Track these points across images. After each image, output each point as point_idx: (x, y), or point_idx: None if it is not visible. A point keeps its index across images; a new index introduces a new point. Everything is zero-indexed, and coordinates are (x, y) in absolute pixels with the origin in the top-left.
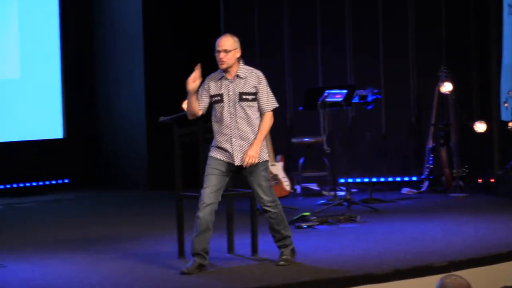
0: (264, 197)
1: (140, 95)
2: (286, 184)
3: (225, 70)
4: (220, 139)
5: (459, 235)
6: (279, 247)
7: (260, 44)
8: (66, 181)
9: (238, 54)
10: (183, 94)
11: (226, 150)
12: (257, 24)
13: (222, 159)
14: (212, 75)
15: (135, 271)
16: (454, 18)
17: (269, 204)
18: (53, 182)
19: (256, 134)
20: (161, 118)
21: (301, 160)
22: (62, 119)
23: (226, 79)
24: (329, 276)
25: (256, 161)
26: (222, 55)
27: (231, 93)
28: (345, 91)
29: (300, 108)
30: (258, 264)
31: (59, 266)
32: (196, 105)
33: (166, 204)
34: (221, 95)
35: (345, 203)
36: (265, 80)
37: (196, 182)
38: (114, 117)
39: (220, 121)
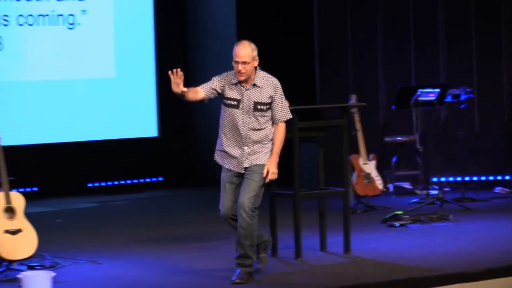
0: (246, 201)
1: None
2: (379, 182)
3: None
4: (229, 143)
5: None
6: (238, 264)
7: (353, 44)
8: (160, 179)
9: (256, 63)
10: None
11: (234, 157)
12: (350, 27)
13: (231, 169)
14: (227, 76)
15: (229, 268)
16: None
17: (246, 209)
18: (148, 180)
19: (271, 145)
20: None
21: (394, 159)
22: (157, 118)
23: (242, 86)
24: (421, 274)
25: (276, 177)
26: (241, 67)
27: (245, 101)
28: (438, 90)
29: (393, 107)
30: (350, 262)
31: (154, 264)
32: (195, 96)
33: (262, 201)
34: (237, 100)
35: (438, 202)
36: (281, 89)
37: (289, 181)
38: (207, 115)
39: (231, 126)
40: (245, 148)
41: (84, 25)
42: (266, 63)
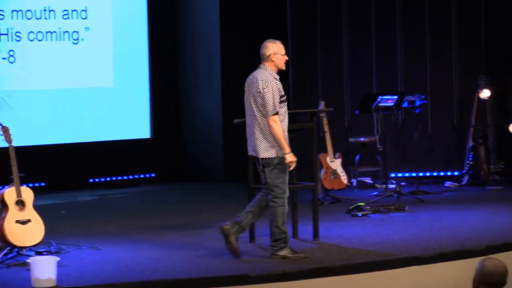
0: None
1: (217, 100)
2: (344, 178)
3: (278, 72)
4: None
5: (495, 222)
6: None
7: (321, 56)
8: (153, 175)
9: None
10: None
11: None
12: (319, 41)
13: None
14: (275, 76)
15: (212, 253)
16: (492, 32)
17: None
18: (142, 176)
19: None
20: (236, 120)
21: (357, 157)
22: (150, 121)
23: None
24: (381, 258)
25: None
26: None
27: None
28: (396, 97)
29: (357, 112)
30: (318, 247)
31: (147, 249)
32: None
33: (239, 195)
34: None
35: (395, 195)
36: None
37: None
38: (195, 118)
39: (286, 119)
40: None
41: (87, 41)
42: (247, 71)
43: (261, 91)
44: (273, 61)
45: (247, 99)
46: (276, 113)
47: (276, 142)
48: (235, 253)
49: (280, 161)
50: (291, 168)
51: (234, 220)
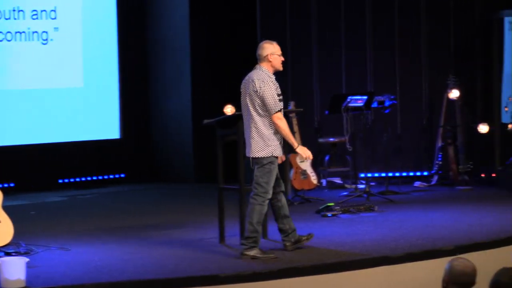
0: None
1: (187, 100)
2: (314, 178)
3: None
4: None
5: (464, 222)
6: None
7: (291, 56)
8: (122, 175)
9: None
10: (225, 99)
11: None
12: (288, 40)
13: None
14: (271, 76)
15: (182, 254)
16: (462, 33)
17: None
18: (111, 176)
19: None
20: (205, 121)
21: (327, 157)
22: (119, 122)
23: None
24: (350, 258)
25: None
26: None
27: None
28: (365, 97)
29: (326, 112)
30: None
31: (117, 250)
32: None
33: (210, 195)
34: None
35: (365, 195)
36: None
37: (235, 176)
38: (164, 119)
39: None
40: None
41: (56, 41)
42: (216, 72)
43: (258, 90)
44: (270, 61)
45: (243, 99)
46: (279, 110)
47: (271, 142)
48: (309, 236)
49: (270, 162)
50: (310, 158)
51: (284, 236)
